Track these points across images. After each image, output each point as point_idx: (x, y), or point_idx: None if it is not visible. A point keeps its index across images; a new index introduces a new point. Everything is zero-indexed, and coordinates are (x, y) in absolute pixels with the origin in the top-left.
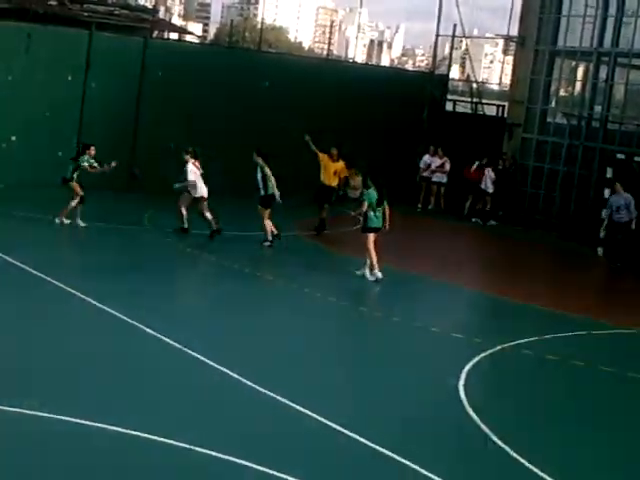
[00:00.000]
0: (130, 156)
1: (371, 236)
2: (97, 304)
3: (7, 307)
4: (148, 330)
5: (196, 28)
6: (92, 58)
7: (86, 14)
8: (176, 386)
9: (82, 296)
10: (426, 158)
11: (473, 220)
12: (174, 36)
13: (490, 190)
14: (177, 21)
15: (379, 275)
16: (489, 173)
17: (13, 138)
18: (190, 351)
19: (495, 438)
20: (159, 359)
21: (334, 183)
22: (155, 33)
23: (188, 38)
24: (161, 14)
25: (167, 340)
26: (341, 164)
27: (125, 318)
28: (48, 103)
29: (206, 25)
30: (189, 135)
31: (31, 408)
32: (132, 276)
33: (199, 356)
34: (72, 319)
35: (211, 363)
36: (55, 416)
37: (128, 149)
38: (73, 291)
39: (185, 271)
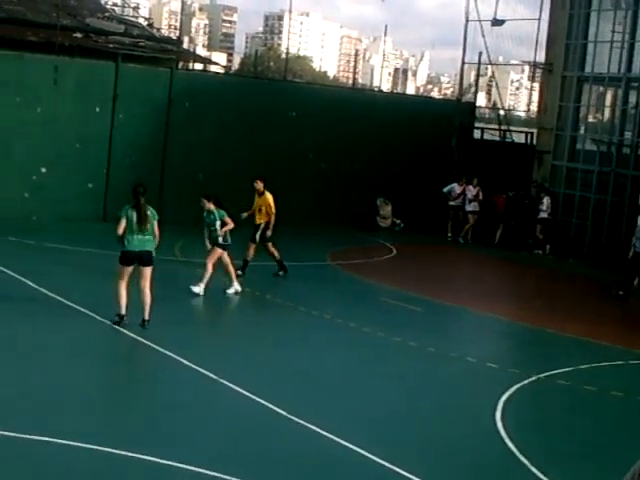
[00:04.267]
0: (159, 187)
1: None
2: (141, 339)
3: (45, 337)
4: (178, 358)
5: (220, 58)
6: (119, 89)
7: (112, 46)
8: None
9: (114, 325)
10: (455, 187)
11: (535, 252)
12: (199, 66)
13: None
14: (201, 51)
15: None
16: (546, 201)
17: (43, 170)
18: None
19: (533, 469)
20: (196, 389)
21: (260, 220)
22: (180, 64)
23: (213, 68)
24: (185, 44)
25: (204, 372)
26: (265, 198)
27: (160, 348)
28: (77, 135)
29: (230, 55)
30: (216, 165)
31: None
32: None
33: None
34: (109, 349)
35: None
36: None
37: (156, 180)
38: (103, 320)
39: (214, 300)
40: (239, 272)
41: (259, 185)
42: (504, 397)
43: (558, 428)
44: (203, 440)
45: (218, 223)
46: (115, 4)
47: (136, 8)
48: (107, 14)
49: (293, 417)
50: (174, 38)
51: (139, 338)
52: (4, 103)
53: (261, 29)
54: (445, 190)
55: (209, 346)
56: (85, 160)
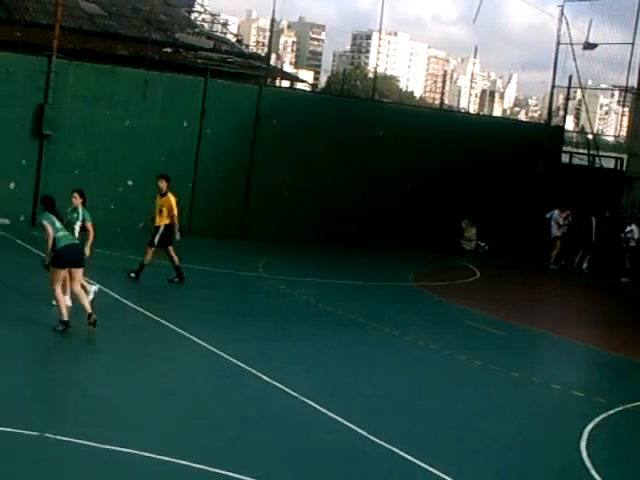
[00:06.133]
0: (244, 202)
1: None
2: (213, 349)
3: (121, 348)
4: (258, 373)
5: (307, 76)
6: (207, 105)
7: (200, 61)
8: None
9: (197, 340)
10: (555, 214)
11: (622, 280)
12: (285, 84)
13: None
14: (288, 69)
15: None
16: (636, 229)
17: (130, 183)
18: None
19: None
20: (269, 403)
21: (160, 222)
22: (267, 80)
23: (299, 86)
24: (272, 61)
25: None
26: (168, 199)
27: (240, 363)
28: (164, 148)
29: (317, 73)
30: (302, 182)
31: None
32: (245, 322)
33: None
34: (184, 361)
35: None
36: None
37: (242, 195)
38: (188, 334)
39: (298, 318)
40: (132, 275)
41: (163, 184)
42: (589, 426)
43: None
44: (281, 457)
45: (78, 224)
46: (205, 20)
47: (225, 24)
48: (197, 30)
49: (372, 437)
50: (262, 55)
51: (221, 353)
52: (95, 116)
53: (348, 48)
54: (548, 216)
55: (290, 363)
56: (171, 174)
